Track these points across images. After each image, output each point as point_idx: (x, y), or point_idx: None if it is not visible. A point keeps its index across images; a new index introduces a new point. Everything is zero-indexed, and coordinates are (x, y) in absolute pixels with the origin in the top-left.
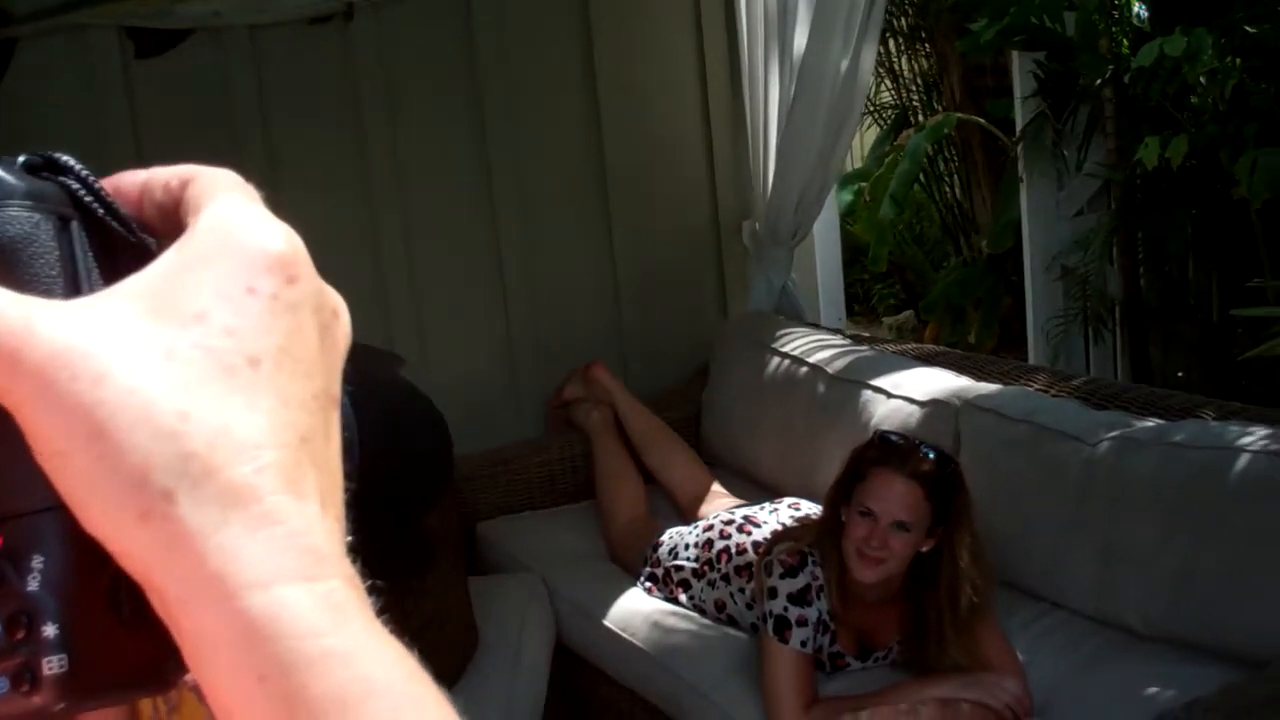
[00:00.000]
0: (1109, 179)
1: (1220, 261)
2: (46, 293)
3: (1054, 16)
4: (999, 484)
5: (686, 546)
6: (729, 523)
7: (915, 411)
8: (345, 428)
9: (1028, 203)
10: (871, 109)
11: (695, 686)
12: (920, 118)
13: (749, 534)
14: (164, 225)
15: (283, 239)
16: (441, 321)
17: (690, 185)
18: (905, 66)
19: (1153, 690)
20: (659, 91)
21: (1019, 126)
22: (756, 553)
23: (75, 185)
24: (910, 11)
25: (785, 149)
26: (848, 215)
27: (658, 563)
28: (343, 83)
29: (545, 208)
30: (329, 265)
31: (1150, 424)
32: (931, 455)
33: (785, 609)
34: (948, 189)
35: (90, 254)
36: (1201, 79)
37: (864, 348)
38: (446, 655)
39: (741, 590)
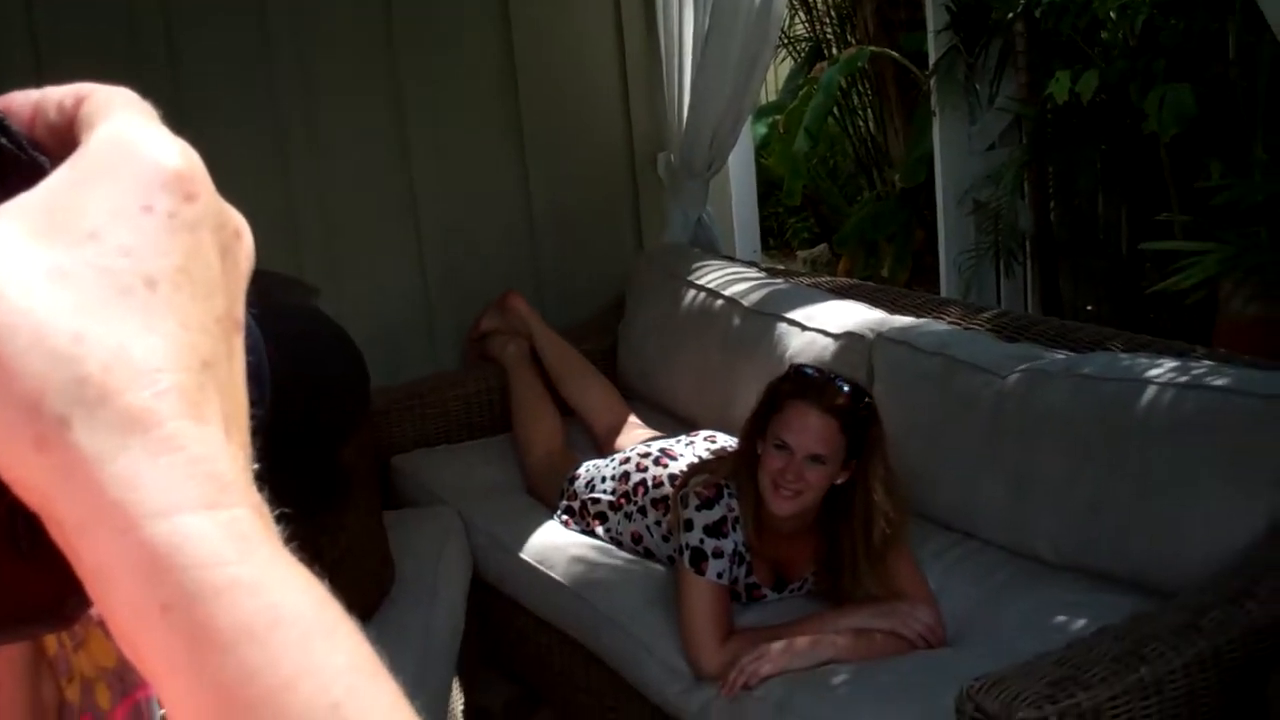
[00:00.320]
0: (1020, 114)
1: (1129, 196)
2: None
3: None
4: (912, 416)
5: (603, 479)
6: (646, 455)
7: (829, 344)
8: (251, 351)
9: (940, 137)
10: (786, 41)
11: (612, 618)
12: (834, 50)
13: (665, 467)
14: (57, 146)
15: (180, 155)
16: (355, 255)
17: (605, 118)
18: None
19: (1063, 619)
20: (573, 24)
21: (931, 60)
22: (673, 485)
23: None
24: None
25: (700, 81)
26: (762, 148)
27: (574, 495)
28: (248, 4)
29: (459, 141)
30: (237, 199)
31: (1060, 356)
32: (846, 389)
33: (701, 541)
34: (861, 123)
35: None
36: (1112, 14)
37: (779, 281)
38: (363, 589)
39: (658, 523)
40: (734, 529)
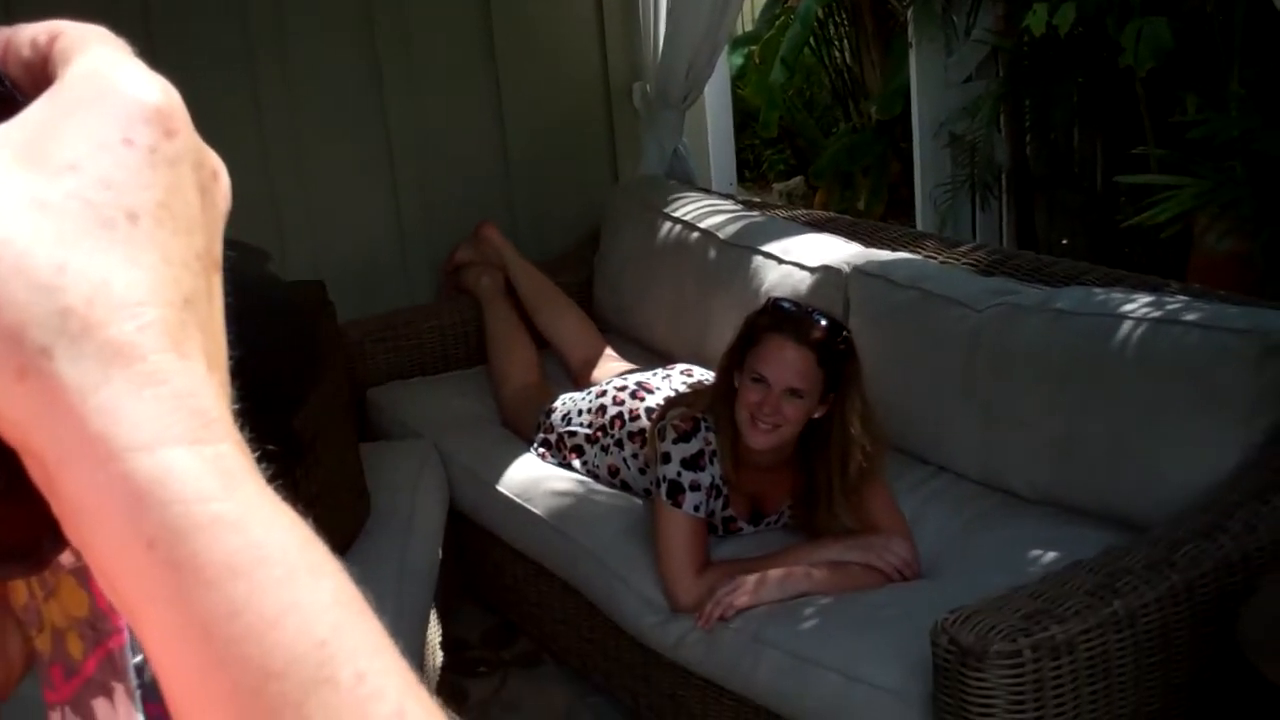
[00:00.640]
0: (997, 46)
1: (1105, 129)
2: None
3: None
4: (888, 350)
5: (580, 412)
6: (622, 388)
7: (806, 278)
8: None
9: (916, 69)
10: None
11: (589, 551)
12: None
13: (642, 400)
14: (30, 84)
15: (160, 90)
16: (329, 188)
17: (580, 47)
18: None
19: (1037, 552)
20: None
21: None
22: (650, 418)
23: None
24: None
25: (676, 10)
26: (738, 79)
27: (551, 428)
28: None
29: (433, 72)
30: (210, 137)
31: (1036, 291)
32: (823, 322)
33: (678, 474)
34: (838, 54)
35: None
36: None
37: (755, 213)
38: (339, 522)
39: (635, 455)
40: (711, 462)
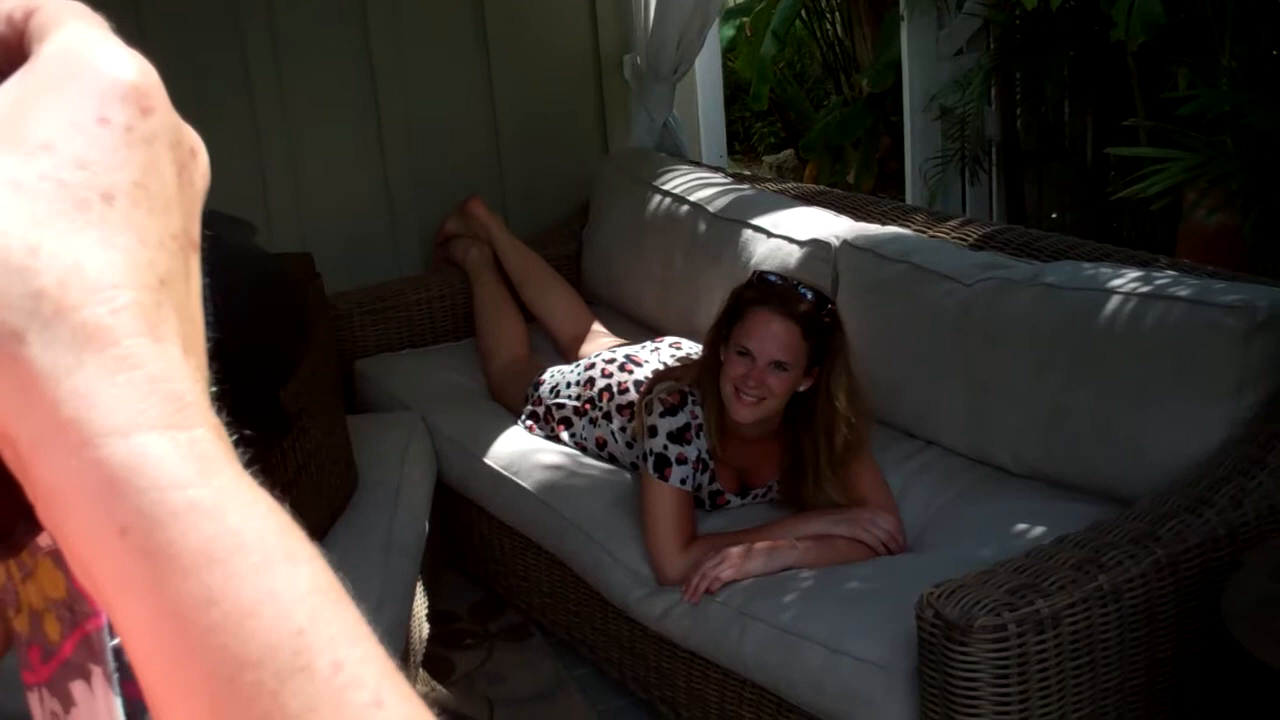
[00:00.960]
0: (989, 19)
1: (1096, 103)
2: None
3: None
4: (876, 324)
5: (568, 385)
6: (610, 361)
7: (795, 251)
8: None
9: (908, 42)
10: None
11: (576, 524)
12: None
13: (630, 373)
14: (5, 60)
15: (135, 68)
16: (318, 159)
17: (571, 18)
18: None
19: (1023, 527)
20: None
21: None
22: (638, 391)
23: None
24: None
25: None
26: (729, 51)
27: (539, 401)
28: None
29: (423, 42)
30: (199, 106)
31: (1024, 265)
32: (810, 295)
33: (665, 447)
34: (829, 26)
35: None
36: None
37: (745, 186)
38: (326, 493)
39: (622, 429)
40: (698, 436)
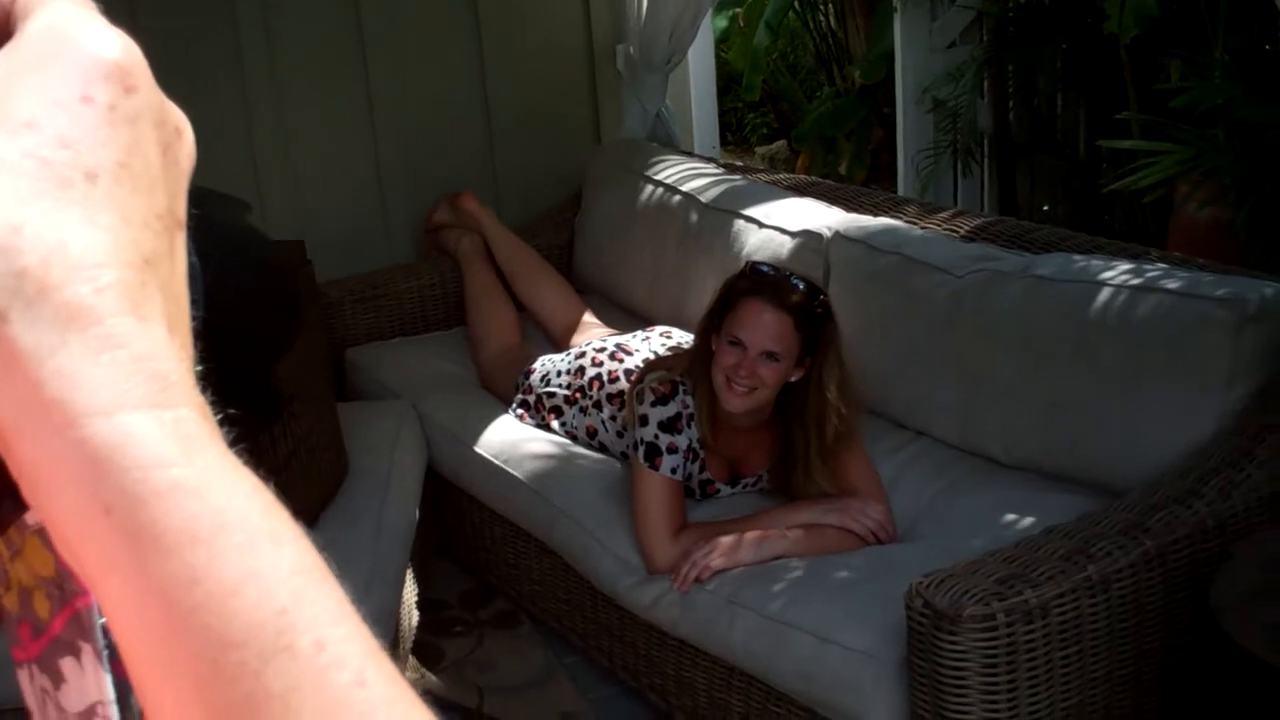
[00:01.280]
0: (982, 11)
1: (1088, 96)
2: None
3: None
4: (867, 315)
5: (559, 373)
6: (601, 350)
7: (786, 242)
8: (188, 253)
9: (901, 33)
10: None
11: (567, 512)
12: None
13: (621, 362)
14: None
15: (119, 47)
16: (311, 147)
17: (564, 8)
18: None
19: (1013, 517)
20: None
21: None
22: (628, 380)
23: None
24: None
25: None
26: (722, 42)
27: (530, 390)
28: None
29: (416, 31)
30: (192, 91)
31: (1016, 257)
32: (801, 286)
33: (656, 436)
34: (822, 17)
35: None
36: None
37: (737, 177)
38: (317, 480)
39: (613, 418)
40: (688, 425)
